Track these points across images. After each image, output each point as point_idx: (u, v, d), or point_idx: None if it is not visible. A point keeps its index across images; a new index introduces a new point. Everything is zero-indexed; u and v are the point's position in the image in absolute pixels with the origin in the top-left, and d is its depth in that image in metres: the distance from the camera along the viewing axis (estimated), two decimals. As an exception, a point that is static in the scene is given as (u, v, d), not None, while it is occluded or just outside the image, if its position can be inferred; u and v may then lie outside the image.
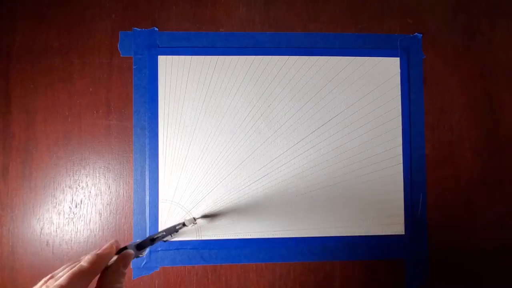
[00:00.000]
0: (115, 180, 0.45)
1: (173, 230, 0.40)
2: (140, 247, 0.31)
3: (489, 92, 0.48)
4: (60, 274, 0.24)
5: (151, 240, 0.35)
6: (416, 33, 0.48)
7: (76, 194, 0.44)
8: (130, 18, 0.46)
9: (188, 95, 0.46)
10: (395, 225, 0.46)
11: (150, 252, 0.44)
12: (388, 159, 0.46)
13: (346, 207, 0.46)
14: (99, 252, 0.26)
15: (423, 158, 0.47)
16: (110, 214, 0.44)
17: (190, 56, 0.46)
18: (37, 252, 0.44)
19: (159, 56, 0.46)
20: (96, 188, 0.44)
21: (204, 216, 0.44)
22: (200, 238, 0.44)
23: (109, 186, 0.44)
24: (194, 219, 0.43)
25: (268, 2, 0.47)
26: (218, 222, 0.45)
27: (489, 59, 0.49)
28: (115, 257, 0.27)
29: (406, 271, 0.46)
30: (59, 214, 0.44)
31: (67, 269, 0.25)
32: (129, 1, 0.46)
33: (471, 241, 0.47)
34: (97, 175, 0.45)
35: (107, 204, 0.44)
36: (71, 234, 0.44)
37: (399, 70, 0.47)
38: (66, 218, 0.44)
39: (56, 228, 0.44)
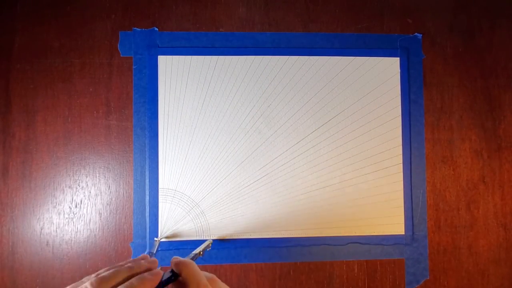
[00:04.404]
0: (115, 180, 0.45)
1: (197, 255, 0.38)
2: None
3: (489, 92, 0.48)
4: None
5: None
6: (416, 33, 0.48)
7: (76, 194, 0.44)
8: (130, 18, 0.46)
9: (188, 95, 0.46)
10: (395, 225, 0.46)
11: (149, 252, 0.44)
12: (388, 159, 0.46)
13: (346, 207, 0.46)
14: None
15: (423, 158, 0.47)
16: (110, 214, 0.44)
17: (190, 56, 0.46)
18: (37, 252, 0.44)
19: (159, 56, 0.46)
20: (96, 188, 0.44)
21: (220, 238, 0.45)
22: (200, 238, 0.44)
23: (109, 186, 0.44)
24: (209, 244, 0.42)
25: (268, 2, 0.47)
26: (219, 222, 0.45)
27: (489, 59, 0.49)
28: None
29: (406, 271, 0.46)
30: (59, 214, 0.44)
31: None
32: (129, 1, 0.46)
33: (471, 241, 0.47)
34: (97, 175, 0.45)
35: (107, 204, 0.44)
36: (71, 234, 0.44)
37: (399, 70, 0.47)
38: (66, 218, 0.44)
39: (56, 228, 0.44)
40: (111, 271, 0.24)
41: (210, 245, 0.42)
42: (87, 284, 0.22)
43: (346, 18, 0.48)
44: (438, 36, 0.48)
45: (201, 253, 0.38)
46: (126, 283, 0.23)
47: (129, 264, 0.25)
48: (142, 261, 0.26)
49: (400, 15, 0.48)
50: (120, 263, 0.26)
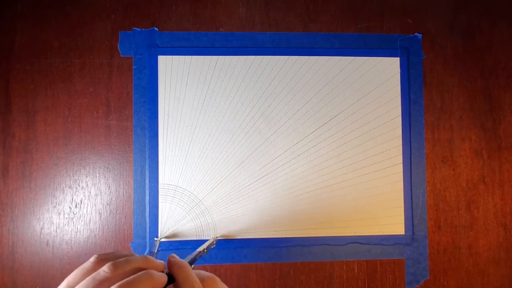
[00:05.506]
0: (115, 180, 0.45)
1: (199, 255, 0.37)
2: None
3: (489, 92, 0.48)
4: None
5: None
6: (416, 33, 0.48)
7: (76, 194, 0.44)
8: (130, 18, 0.46)
9: (188, 95, 0.46)
10: (395, 225, 0.46)
11: (150, 252, 0.44)
12: (388, 159, 0.46)
13: (346, 207, 0.46)
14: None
15: (423, 158, 0.47)
16: (110, 214, 0.44)
17: (190, 56, 0.46)
18: (37, 252, 0.44)
19: (159, 56, 0.46)
20: (96, 188, 0.44)
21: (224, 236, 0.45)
22: (200, 238, 0.44)
23: (109, 186, 0.45)
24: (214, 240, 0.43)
25: (268, 2, 0.47)
26: (218, 222, 0.45)
27: (489, 59, 0.49)
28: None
29: (406, 271, 0.46)
30: (59, 214, 0.44)
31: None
32: (129, 1, 0.46)
33: (471, 241, 0.47)
34: (97, 175, 0.45)
35: (107, 204, 0.44)
36: (71, 234, 0.44)
37: (399, 70, 0.47)
38: (66, 218, 0.44)
39: (56, 228, 0.44)
40: (124, 259, 0.23)
41: (215, 242, 0.42)
42: (105, 267, 0.22)
43: (346, 18, 0.48)
44: (438, 36, 0.48)
45: (205, 250, 0.38)
46: (137, 275, 0.22)
47: (143, 256, 0.25)
48: (156, 260, 0.26)
49: (400, 15, 0.48)
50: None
